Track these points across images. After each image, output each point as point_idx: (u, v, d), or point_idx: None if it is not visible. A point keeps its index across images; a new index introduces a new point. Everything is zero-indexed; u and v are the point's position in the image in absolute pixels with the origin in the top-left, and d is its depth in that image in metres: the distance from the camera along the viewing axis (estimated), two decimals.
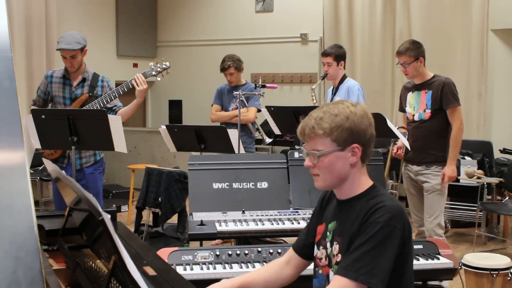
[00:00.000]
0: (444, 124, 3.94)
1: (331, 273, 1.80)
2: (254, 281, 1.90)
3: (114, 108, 4.03)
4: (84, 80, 4.03)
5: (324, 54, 4.63)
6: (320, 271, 1.87)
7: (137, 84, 3.89)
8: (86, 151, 4.01)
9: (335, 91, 4.67)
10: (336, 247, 1.77)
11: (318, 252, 1.88)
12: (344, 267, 1.66)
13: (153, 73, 4.11)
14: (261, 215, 3.22)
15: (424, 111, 3.98)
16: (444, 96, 3.89)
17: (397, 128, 4.09)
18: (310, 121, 1.74)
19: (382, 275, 1.62)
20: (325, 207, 1.93)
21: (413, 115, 4.05)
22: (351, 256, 1.66)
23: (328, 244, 1.83)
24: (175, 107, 9.11)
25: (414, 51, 3.92)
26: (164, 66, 4.14)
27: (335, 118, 1.71)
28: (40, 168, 6.47)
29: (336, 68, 4.59)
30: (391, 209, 1.67)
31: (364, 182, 1.79)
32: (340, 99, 4.45)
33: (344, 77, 4.64)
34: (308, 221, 2.04)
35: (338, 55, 4.58)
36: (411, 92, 4.09)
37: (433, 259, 2.73)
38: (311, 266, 1.99)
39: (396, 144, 4.28)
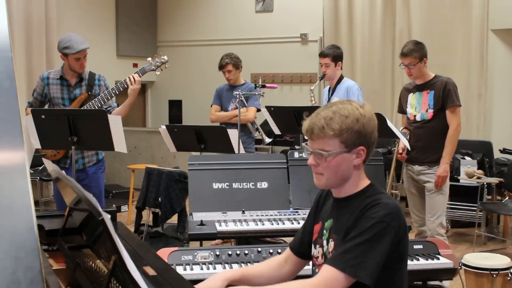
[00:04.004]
0: (446, 124, 3.94)
1: None
2: (255, 275, 1.91)
3: (108, 109, 4.02)
4: (81, 79, 4.03)
5: (322, 55, 4.63)
6: (317, 270, 1.87)
7: (130, 83, 3.90)
8: (88, 151, 4.01)
9: (332, 91, 4.67)
10: (331, 244, 1.78)
11: (315, 251, 1.89)
12: (333, 257, 1.67)
13: (152, 67, 4.12)
14: (261, 215, 3.22)
15: (427, 111, 3.98)
16: (446, 95, 3.90)
17: (401, 130, 4.09)
18: (319, 120, 1.72)
19: (371, 269, 1.62)
20: (321, 207, 1.94)
21: (415, 116, 4.05)
22: (342, 248, 1.67)
23: (325, 242, 1.83)
24: (175, 107, 9.12)
25: (418, 52, 3.93)
26: (162, 60, 4.15)
27: (345, 120, 1.70)
28: (40, 168, 6.46)
29: (334, 69, 4.60)
30: (386, 206, 1.68)
31: (362, 181, 1.80)
32: (338, 99, 4.49)
33: (341, 78, 4.65)
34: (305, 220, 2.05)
35: (335, 55, 4.59)
36: (412, 93, 4.10)
37: (433, 259, 2.73)
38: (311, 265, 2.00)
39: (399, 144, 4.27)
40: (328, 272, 1.64)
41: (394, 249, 1.67)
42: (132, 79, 3.90)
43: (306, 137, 1.78)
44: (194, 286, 1.74)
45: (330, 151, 1.71)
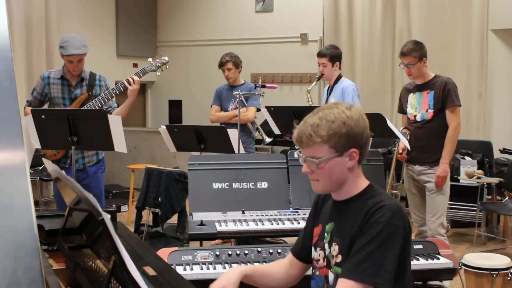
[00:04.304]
0: (447, 124, 3.94)
1: (329, 274, 1.80)
2: (264, 274, 1.92)
3: (109, 109, 4.03)
4: (82, 80, 4.03)
5: (319, 54, 4.63)
6: (318, 273, 1.86)
7: (129, 84, 3.90)
8: (88, 151, 4.01)
9: (330, 91, 4.67)
10: (335, 248, 1.77)
11: (315, 254, 1.88)
12: (349, 269, 1.65)
13: (153, 68, 4.12)
14: (261, 215, 3.22)
15: (427, 111, 3.98)
16: (445, 95, 3.90)
17: (401, 130, 4.09)
18: (306, 128, 1.72)
19: (388, 274, 1.62)
20: (320, 209, 1.93)
21: (415, 116, 4.05)
22: (355, 258, 1.65)
23: (326, 246, 1.82)
24: (175, 107, 9.12)
25: (418, 51, 3.93)
26: (163, 60, 4.15)
27: (332, 125, 1.69)
28: (40, 168, 6.46)
29: (331, 69, 4.59)
30: (391, 208, 1.67)
31: (361, 183, 1.79)
32: (335, 99, 4.50)
33: (339, 77, 4.64)
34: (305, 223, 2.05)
35: (333, 55, 4.57)
36: (412, 93, 4.09)
37: (433, 259, 2.73)
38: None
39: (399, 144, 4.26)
40: (347, 286, 1.63)
41: (403, 248, 1.68)
42: (131, 80, 3.91)
43: (296, 146, 1.78)
44: (210, 285, 1.75)
45: (321, 158, 1.71)
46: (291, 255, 2.00)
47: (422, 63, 3.96)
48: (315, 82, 4.94)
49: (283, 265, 1.99)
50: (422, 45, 4.01)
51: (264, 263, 2.61)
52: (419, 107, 4.03)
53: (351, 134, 1.70)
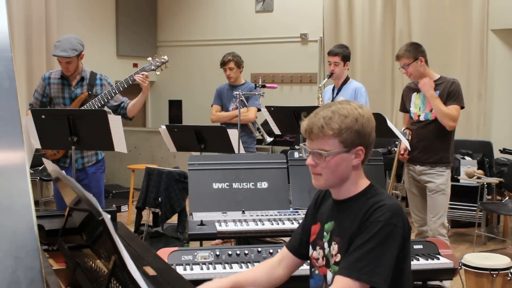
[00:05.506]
0: None
1: (328, 273, 1.80)
2: (245, 281, 1.88)
3: (122, 104, 4.05)
4: (82, 79, 4.04)
5: (332, 53, 4.61)
6: (317, 272, 1.86)
7: (143, 82, 3.93)
8: (88, 151, 4.02)
9: (338, 91, 4.65)
10: (334, 247, 1.77)
11: (314, 252, 1.87)
12: (346, 267, 1.65)
13: (152, 67, 4.12)
14: (261, 215, 3.22)
15: (431, 111, 3.97)
16: (450, 93, 3.89)
17: (403, 130, 4.09)
18: (318, 120, 1.71)
19: (385, 274, 1.62)
20: (319, 207, 1.92)
21: (419, 116, 4.04)
22: (352, 256, 1.65)
23: (326, 245, 1.82)
24: (175, 107, 9.12)
25: (411, 52, 3.93)
26: (162, 60, 4.15)
27: (345, 119, 1.70)
28: (40, 168, 6.46)
29: (343, 68, 4.59)
30: (391, 207, 1.68)
31: (362, 182, 1.80)
32: (345, 99, 4.48)
33: (347, 78, 4.64)
34: (302, 220, 2.03)
35: (345, 55, 4.59)
36: (416, 93, 4.08)
37: (433, 259, 2.73)
38: (305, 266, 1.99)
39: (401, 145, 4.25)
40: (343, 283, 1.63)
41: (401, 248, 1.67)
42: (143, 78, 3.93)
43: (305, 137, 1.78)
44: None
45: (329, 151, 1.71)
46: (285, 251, 1.97)
47: (418, 62, 3.94)
48: (326, 80, 4.91)
49: (269, 265, 1.95)
50: (417, 45, 4.00)
51: None
52: (423, 106, 4.02)
53: (361, 131, 1.71)
